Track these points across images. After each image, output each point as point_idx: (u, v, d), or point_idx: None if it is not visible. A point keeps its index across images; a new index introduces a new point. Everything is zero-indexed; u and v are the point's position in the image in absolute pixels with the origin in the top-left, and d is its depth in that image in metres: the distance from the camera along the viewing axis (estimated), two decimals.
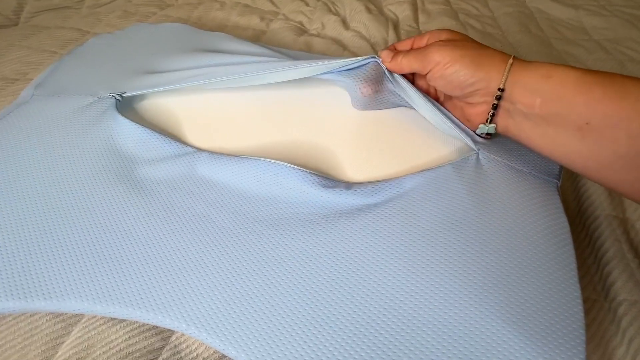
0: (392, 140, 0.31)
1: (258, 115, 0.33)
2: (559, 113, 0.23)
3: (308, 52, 0.42)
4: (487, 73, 0.25)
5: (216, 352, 0.23)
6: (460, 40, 0.27)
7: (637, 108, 0.20)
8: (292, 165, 0.27)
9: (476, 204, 0.25)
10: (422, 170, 0.27)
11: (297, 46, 0.49)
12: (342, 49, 0.49)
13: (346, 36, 0.51)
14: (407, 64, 0.29)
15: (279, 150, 0.31)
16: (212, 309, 0.21)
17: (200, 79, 0.33)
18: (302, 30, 0.53)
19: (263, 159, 0.28)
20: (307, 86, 0.35)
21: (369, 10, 0.55)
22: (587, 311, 0.23)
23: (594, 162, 0.22)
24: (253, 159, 0.28)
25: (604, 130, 0.21)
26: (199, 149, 0.30)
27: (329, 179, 0.27)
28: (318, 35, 0.52)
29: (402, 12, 0.56)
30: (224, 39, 0.43)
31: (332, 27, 0.53)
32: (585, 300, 0.22)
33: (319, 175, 0.27)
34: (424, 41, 0.30)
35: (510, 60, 0.25)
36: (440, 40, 0.28)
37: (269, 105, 0.34)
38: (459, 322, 0.21)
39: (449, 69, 0.26)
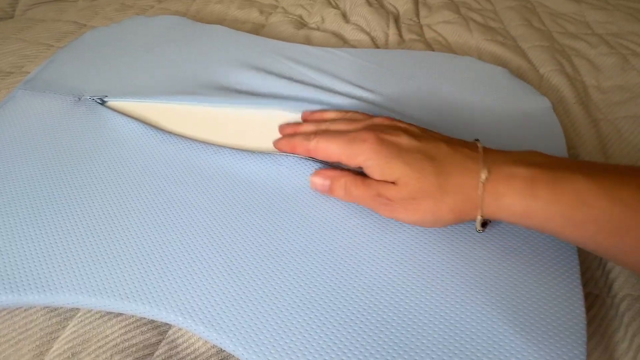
0: None
1: (240, 128, 0.32)
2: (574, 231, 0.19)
3: (307, 44, 0.42)
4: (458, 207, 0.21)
5: (213, 346, 0.22)
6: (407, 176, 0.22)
7: None
8: (289, 155, 0.27)
9: None
10: None
11: (297, 40, 0.48)
12: (342, 43, 0.48)
13: (346, 29, 0.50)
14: (360, 198, 0.24)
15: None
16: (209, 301, 0.21)
17: (183, 97, 0.33)
18: (301, 24, 0.53)
19: (261, 150, 0.28)
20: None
21: (369, 4, 0.54)
22: (589, 307, 0.23)
23: None
24: (251, 153, 0.28)
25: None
26: (194, 140, 0.29)
27: (330, 167, 0.27)
28: (318, 29, 0.51)
29: (403, 6, 0.56)
30: (221, 32, 0.43)
31: (332, 21, 0.52)
32: (587, 296, 0.22)
33: (320, 162, 0.27)
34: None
35: (479, 192, 0.20)
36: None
37: (252, 120, 0.33)
38: (459, 319, 0.20)
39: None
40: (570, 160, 0.21)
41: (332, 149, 0.24)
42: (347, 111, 0.29)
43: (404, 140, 0.23)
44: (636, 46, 0.46)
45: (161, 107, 0.33)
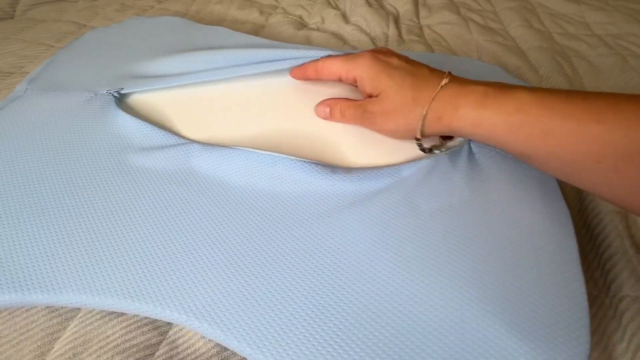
0: None
1: (253, 105, 0.33)
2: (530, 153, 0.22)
3: (307, 45, 0.42)
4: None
5: (214, 347, 0.22)
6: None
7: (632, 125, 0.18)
8: (289, 157, 0.27)
9: (473, 195, 0.25)
10: (417, 159, 0.27)
11: (297, 40, 0.48)
12: (342, 43, 0.48)
13: (346, 30, 0.50)
14: (352, 117, 0.29)
15: (276, 140, 0.30)
16: (213, 300, 0.21)
17: (195, 76, 0.33)
18: (301, 24, 0.53)
19: (261, 151, 0.28)
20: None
21: (369, 4, 0.54)
22: (588, 308, 0.23)
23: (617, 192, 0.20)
24: (251, 151, 0.28)
25: (617, 166, 0.19)
26: (198, 142, 0.30)
27: (326, 166, 0.27)
28: (318, 30, 0.51)
29: (403, 6, 0.56)
30: (222, 32, 0.43)
31: (332, 21, 0.52)
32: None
33: (317, 163, 0.27)
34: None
35: (437, 91, 0.24)
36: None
37: (264, 95, 0.34)
38: (458, 319, 0.20)
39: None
40: (519, 85, 0.24)
41: (335, 65, 0.29)
42: None
43: (394, 60, 0.27)
44: (635, 47, 0.46)
45: (172, 103, 0.33)
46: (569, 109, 0.20)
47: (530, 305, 0.21)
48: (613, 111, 0.19)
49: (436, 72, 0.26)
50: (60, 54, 0.39)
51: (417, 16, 0.55)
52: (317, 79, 0.32)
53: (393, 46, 0.48)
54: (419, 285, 0.22)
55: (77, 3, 0.57)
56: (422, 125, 0.25)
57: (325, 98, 0.32)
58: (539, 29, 0.51)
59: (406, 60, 0.27)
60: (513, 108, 0.22)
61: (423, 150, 0.27)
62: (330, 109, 0.30)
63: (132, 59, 0.38)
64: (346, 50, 0.32)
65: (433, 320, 0.20)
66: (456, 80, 0.25)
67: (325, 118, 0.31)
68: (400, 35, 0.50)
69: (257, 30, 0.51)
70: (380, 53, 0.28)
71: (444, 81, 0.24)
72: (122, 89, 0.33)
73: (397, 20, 0.53)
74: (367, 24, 0.51)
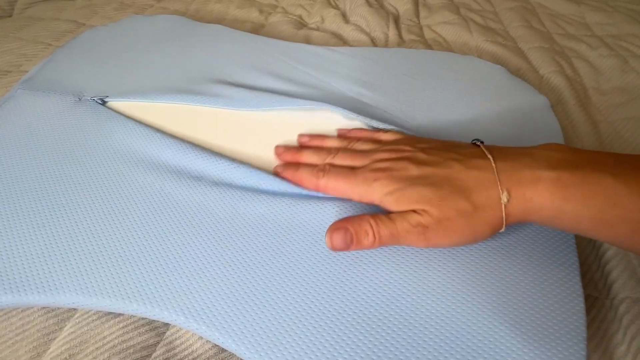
0: None
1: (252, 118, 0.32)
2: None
3: (307, 44, 0.42)
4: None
5: (211, 348, 0.22)
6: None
7: None
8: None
9: None
10: None
11: (296, 40, 0.48)
12: (342, 43, 0.48)
13: (346, 30, 0.50)
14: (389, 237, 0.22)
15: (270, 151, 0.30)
16: (211, 301, 0.21)
17: (182, 97, 0.33)
18: (301, 24, 0.52)
19: (259, 170, 0.27)
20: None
21: (369, 4, 0.54)
22: (588, 309, 0.23)
23: None
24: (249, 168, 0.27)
25: None
26: (194, 141, 0.29)
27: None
28: (317, 29, 0.51)
29: (403, 6, 0.56)
30: (221, 31, 0.43)
31: (332, 21, 0.52)
32: (586, 298, 0.22)
33: None
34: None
35: (503, 214, 0.20)
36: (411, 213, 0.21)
37: (258, 121, 0.32)
38: (457, 320, 0.20)
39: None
40: (592, 155, 0.20)
41: (343, 189, 0.24)
42: (345, 136, 0.29)
43: (413, 170, 0.22)
44: (636, 48, 0.46)
45: (161, 108, 0.33)
46: None
47: (528, 307, 0.21)
48: None
49: (473, 164, 0.21)
50: (57, 53, 0.39)
51: (417, 16, 0.54)
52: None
53: (393, 46, 0.48)
54: (419, 287, 0.22)
55: (76, 1, 0.57)
56: (505, 221, 0.21)
57: (324, 124, 0.28)
58: (539, 29, 0.50)
59: (424, 161, 0.22)
60: (604, 203, 0.18)
61: None
62: (354, 234, 0.22)
63: (127, 62, 0.37)
64: (366, 123, 0.28)
65: (431, 319, 0.20)
66: (504, 164, 0.21)
67: (344, 249, 0.22)
68: (400, 35, 0.50)
69: (256, 30, 0.51)
70: (391, 167, 0.23)
71: (504, 197, 0.20)
72: (107, 96, 0.33)
73: (397, 20, 0.53)
74: (367, 23, 0.51)
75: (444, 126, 0.32)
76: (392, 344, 0.20)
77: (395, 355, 0.19)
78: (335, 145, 0.28)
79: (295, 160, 0.28)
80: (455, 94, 0.35)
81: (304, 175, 0.26)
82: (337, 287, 0.22)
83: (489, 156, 0.21)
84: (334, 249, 0.22)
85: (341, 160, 0.26)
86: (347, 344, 0.20)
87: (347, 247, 0.22)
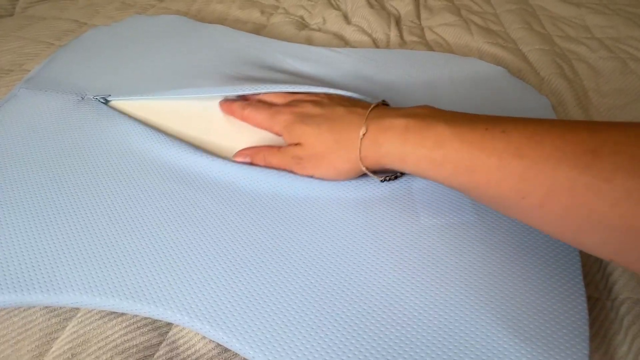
0: None
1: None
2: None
3: (308, 45, 0.42)
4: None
5: (214, 348, 0.22)
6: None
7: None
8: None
9: (478, 216, 0.25)
10: None
11: (298, 41, 0.48)
12: (343, 44, 0.48)
13: (347, 31, 0.50)
14: (278, 163, 0.28)
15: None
16: (215, 301, 0.21)
17: (184, 90, 0.33)
18: (303, 25, 0.53)
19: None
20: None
21: (370, 5, 0.54)
22: (589, 310, 0.23)
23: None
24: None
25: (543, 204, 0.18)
26: (198, 143, 0.29)
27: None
28: (319, 30, 0.51)
29: (404, 8, 0.56)
30: (223, 31, 0.43)
31: (334, 22, 0.52)
32: (587, 299, 0.22)
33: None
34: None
35: (361, 134, 0.24)
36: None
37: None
38: (457, 322, 0.20)
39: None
40: (445, 111, 0.23)
41: (258, 119, 0.30)
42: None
43: (309, 109, 0.27)
44: (635, 50, 0.46)
45: (163, 106, 0.33)
46: (490, 143, 0.19)
47: (530, 307, 0.21)
48: (531, 144, 0.18)
49: (354, 111, 0.26)
50: (59, 52, 0.39)
51: (419, 17, 0.55)
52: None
53: (394, 47, 0.48)
54: (421, 290, 0.22)
55: (78, 1, 0.57)
56: (361, 163, 0.24)
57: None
58: (539, 31, 0.51)
59: (321, 104, 0.27)
60: (433, 143, 0.21)
61: (382, 181, 0.27)
62: (251, 158, 0.29)
63: (129, 61, 0.37)
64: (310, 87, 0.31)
65: (432, 322, 0.20)
66: (378, 113, 0.25)
67: (245, 162, 0.29)
68: (401, 36, 0.50)
69: (258, 30, 0.51)
70: (297, 104, 0.28)
71: (362, 131, 0.24)
72: (110, 95, 0.33)
73: (398, 22, 0.53)
74: (368, 25, 0.51)
75: None
76: (395, 342, 0.20)
77: (400, 354, 0.19)
78: (267, 94, 0.33)
79: (233, 100, 0.33)
80: (457, 95, 0.35)
81: (235, 106, 0.31)
82: (342, 287, 0.22)
83: (371, 106, 0.26)
84: (236, 160, 0.29)
85: (268, 97, 0.32)
86: (352, 343, 0.20)
87: (245, 162, 0.29)
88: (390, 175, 0.27)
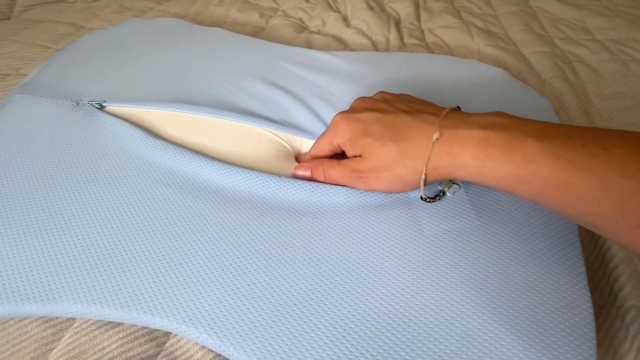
0: None
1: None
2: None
3: (307, 48, 0.41)
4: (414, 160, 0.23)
5: (213, 358, 0.22)
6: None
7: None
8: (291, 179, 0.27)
9: (480, 222, 0.25)
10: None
11: (297, 43, 0.48)
12: (343, 46, 0.48)
13: (347, 33, 0.50)
14: (338, 177, 0.26)
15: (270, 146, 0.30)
16: (212, 308, 0.21)
17: (181, 106, 0.32)
18: (302, 27, 0.52)
19: (260, 172, 0.27)
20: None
21: (370, 8, 0.54)
22: (594, 317, 0.23)
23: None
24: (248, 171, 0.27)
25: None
26: (193, 148, 0.29)
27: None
28: (318, 33, 0.51)
29: (404, 10, 0.56)
30: (221, 34, 0.43)
31: (333, 24, 0.52)
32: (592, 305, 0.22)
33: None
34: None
35: (432, 141, 0.22)
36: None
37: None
38: (459, 325, 0.20)
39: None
40: (525, 121, 0.21)
41: (323, 146, 0.28)
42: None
43: (368, 116, 0.25)
44: (637, 53, 0.46)
45: (158, 113, 0.32)
46: (588, 160, 0.18)
47: (537, 315, 0.20)
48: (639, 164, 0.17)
49: (420, 117, 0.23)
50: (55, 57, 0.38)
51: (418, 20, 0.54)
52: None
53: (394, 50, 0.48)
54: (425, 296, 0.21)
55: (75, 4, 0.56)
56: (427, 174, 0.23)
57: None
58: (540, 33, 0.50)
59: (380, 109, 0.25)
60: (521, 159, 0.19)
61: (424, 200, 0.25)
62: (312, 171, 0.27)
63: (126, 65, 0.37)
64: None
65: (439, 327, 0.20)
66: (451, 119, 0.23)
67: (304, 179, 0.28)
68: (401, 38, 0.50)
69: (257, 33, 0.51)
70: (353, 112, 0.26)
71: (435, 136, 0.22)
72: (105, 101, 0.33)
73: (398, 24, 0.53)
74: (368, 27, 0.51)
75: None
76: (394, 349, 0.19)
77: (400, 356, 0.19)
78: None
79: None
80: (458, 98, 0.35)
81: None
82: (342, 295, 0.21)
83: (442, 114, 0.23)
84: (296, 176, 0.28)
85: None
86: (351, 351, 0.19)
87: (307, 178, 0.28)
88: (437, 195, 0.26)
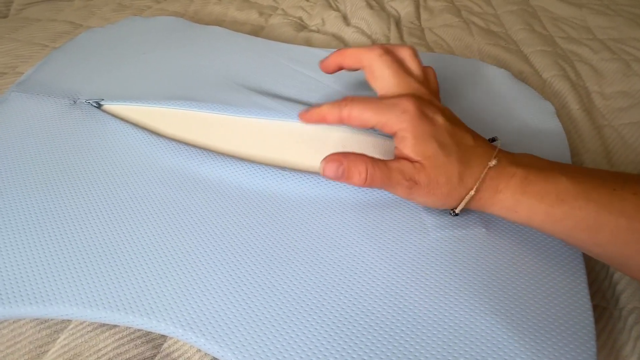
0: None
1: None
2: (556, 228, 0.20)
3: (307, 46, 0.41)
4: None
5: None
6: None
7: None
8: (292, 171, 0.26)
9: (483, 217, 0.24)
10: None
11: (296, 42, 0.48)
12: (342, 45, 0.48)
13: (347, 32, 0.50)
14: (381, 181, 0.22)
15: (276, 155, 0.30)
16: (210, 312, 0.20)
17: (179, 103, 0.32)
18: (301, 26, 0.52)
19: (261, 165, 0.27)
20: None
21: (370, 6, 0.54)
22: (596, 319, 0.22)
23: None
24: (251, 164, 0.27)
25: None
26: (192, 146, 0.29)
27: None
28: (318, 31, 0.51)
29: (404, 9, 0.55)
30: (220, 33, 0.42)
31: (333, 23, 0.51)
32: (594, 308, 0.21)
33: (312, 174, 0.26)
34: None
35: (484, 171, 0.21)
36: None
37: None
38: (460, 328, 0.20)
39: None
40: (558, 164, 0.22)
41: (367, 116, 0.22)
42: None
43: (440, 119, 0.22)
44: (638, 52, 0.46)
45: (156, 111, 0.32)
46: (619, 204, 0.19)
47: (538, 318, 0.20)
48: None
49: (480, 141, 0.22)
50: (53, 55, 0.38)
51: (419, 18, 0.54)
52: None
53: None
54: (423, 297, 0.21)
55: (73, 2, 0.56)
56: (469, 201, 0.22)
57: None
58: (541, 32, 0.50)
59: (450, 118, 0.23)
60: (555, 199, 0.20)
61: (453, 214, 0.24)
62: (346, 169, 0.22)
63: (124, 63, 0.37)
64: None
65: (440, 329, 0.20)
66: (501, 157, 0.22)
67: (335, 179, 0.22)
68: (401, 37, 0.49)
69: (256, 32, 0.50)
70: (424, 104, 0.22)
71: (492, 162, 0.21)
72: (102, 99, 0.32)
73: (398, 23, 0.53)
74: (368, 26, 0.51)
75: None
76: (394, 350, 0.19)
77: (396, 356, 0.19)
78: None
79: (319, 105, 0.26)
80: (459, 97, 0.35)
81: (325, 110, 0.24)
82: (343, 299, 0.21)
83: (498, 146, 0.23)
84: (324, 175, 0.22)
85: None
86: (353, 348, 0.19)
87: (336, 178, 0.22)
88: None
